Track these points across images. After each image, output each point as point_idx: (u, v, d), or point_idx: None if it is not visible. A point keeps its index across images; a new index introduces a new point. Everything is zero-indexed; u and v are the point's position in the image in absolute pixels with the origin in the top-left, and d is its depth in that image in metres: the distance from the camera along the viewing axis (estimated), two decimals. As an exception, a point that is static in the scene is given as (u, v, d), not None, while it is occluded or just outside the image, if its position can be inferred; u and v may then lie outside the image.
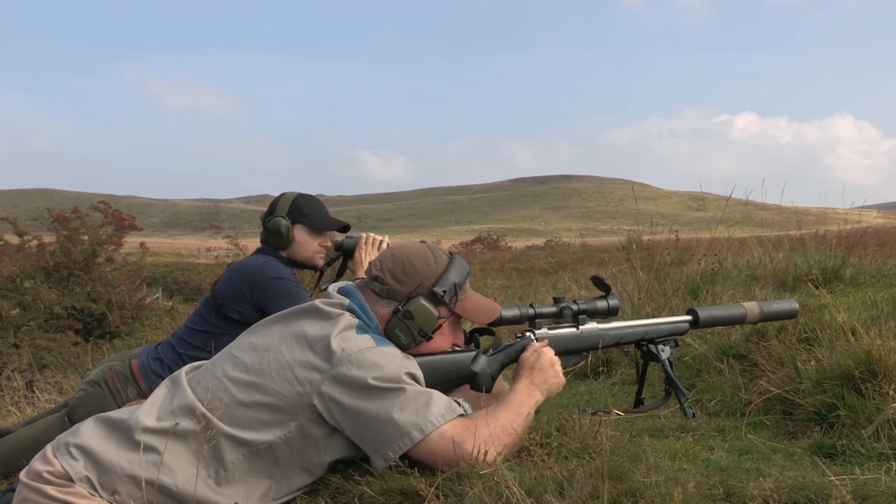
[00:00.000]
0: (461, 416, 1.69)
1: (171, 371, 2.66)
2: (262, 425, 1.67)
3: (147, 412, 1.70)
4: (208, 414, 1.66)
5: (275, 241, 2.86)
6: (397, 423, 1.63)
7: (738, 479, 1.50)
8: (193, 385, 1.75)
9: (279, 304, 2.66)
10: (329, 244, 2.92)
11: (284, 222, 2.83)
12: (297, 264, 2.89)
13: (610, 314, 2.12)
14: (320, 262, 2.91)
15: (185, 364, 2.71)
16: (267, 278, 2.73)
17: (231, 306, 2.77)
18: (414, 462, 1.66)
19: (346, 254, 2.94)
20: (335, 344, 1.68)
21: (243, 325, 2.71)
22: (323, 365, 1.67)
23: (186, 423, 1.66)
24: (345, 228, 2.99)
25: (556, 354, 2.02)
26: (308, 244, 2.85)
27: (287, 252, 2.86)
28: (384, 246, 2.91)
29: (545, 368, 1.89)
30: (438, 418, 1.64)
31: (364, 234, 2.93)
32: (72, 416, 2.64)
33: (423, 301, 1.81)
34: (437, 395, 1.69)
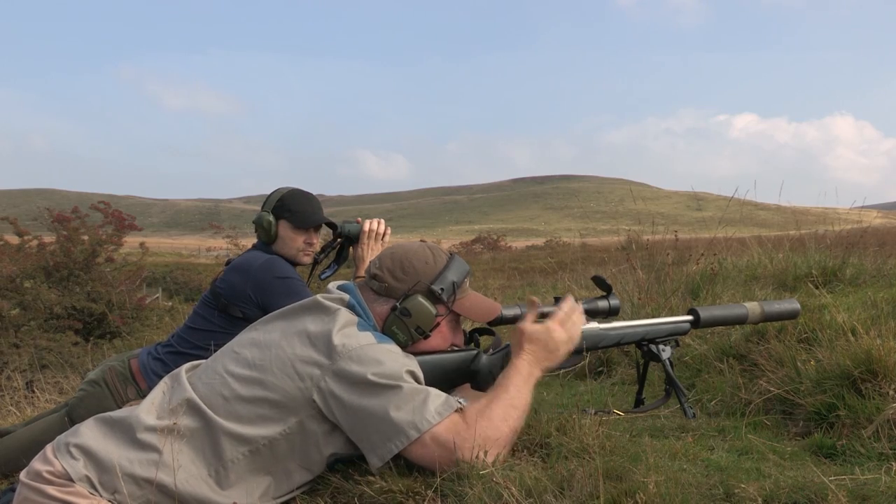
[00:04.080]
0: (458, 411, 1.66)
1: (171, 369, 2.66)
2: (262, 420, 1.67)
3: (147, 410, 1.70)
4: (208, 411, 1.67)
5: (260, 235, 2.85)
6: (393, 421, 1.62)
7: (738, 479, 1.50)
8: (194, 382, 1.75)
9: (284, 303, 2.64)
10: (315, 242, 2.88)
11: (268, 218, 2.81)
12: (286, 261, 2.84)
13: (611, 314, 2.12)
14: (305, 260, 2.87)
15: (188, 359, 2.71)
16: (271, 278, 2.72)
17: (235, 305, 2.76)
18: (413, 462, 1.66)
19: (347, 239, 2.90)
20: (337, 339, 1.69)
21: (247, 323, 2.71)
22: (324, 360, 1.68)
23: (186, 421, 1.67)
24: (331, 226, 2.93)
25: None
26: (292, 241, 2.82)
27: (273, 247, 2.84)
28: (387, 237, 2.90)
29: (550, 349, 1.80)
30: (434, 416, 1.63)
31: (366, 223, 2.87)
32: (72, 415, 2.64)
33: (420, 299, 1.81)
34: (434, 392, 1.68)
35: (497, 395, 1.72)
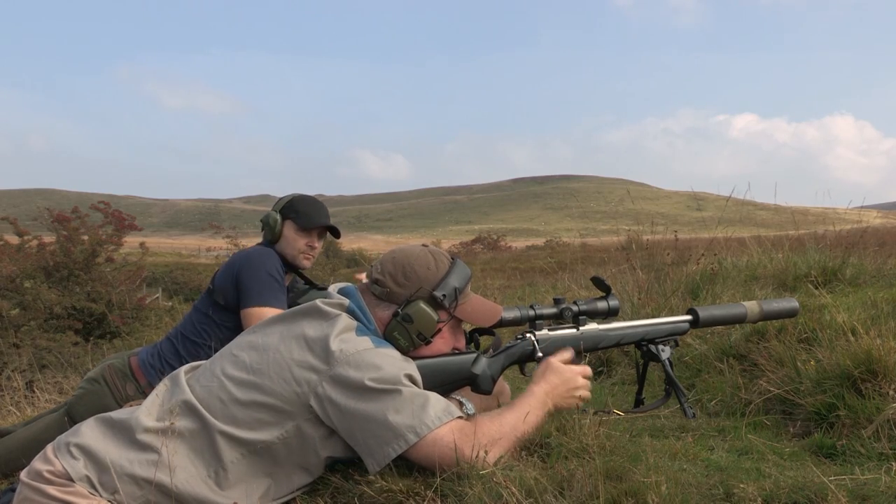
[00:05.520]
0: (459, 418, 1.68)
1: (168, 365, 2.69)
2: (259, 424, 1.67)
3: (146, 412, 1.70)
4: (205, 413, 1.67)
5: (266, 233, 2.95)
6: (392, 425, 1.62)
7: (738, 479, 1.50)
8: (192, 384, 1.75)
9: (256, 288, 2.73)
10: (317, 246, 2.97)
11: (275, 216, 2.92)
12: (287, 262, 2.93)
13: (610, 315, 2.12)
14: (304, 263, 2.96)
15: (182, 355, 2.75)
16: (262, 271, 2.78)
17: (220, 292, 2.82)
18: (413, 463, 1.66)
19: None
20: (334, 345, 1.68)
21: (228, 311, 2.77)
22: (321, 365, 1.67)
23: (185, 423, 1.67)
24: (333, 230, 3.04)
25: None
26: (294, 241, 2.91)
27: (277, 247, 2.93)
28: None
29: (569, 387, 1.85)
30: (434, 420, 1.63)
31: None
32: (71, 413, 2.64)
33: (422, 305, 1.80)
34: (434, 397, 1.68)
35: (512, 407, 1.75)
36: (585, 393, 1.89)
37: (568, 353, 1.95)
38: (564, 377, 1.86)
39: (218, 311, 2.81)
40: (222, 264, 2.97)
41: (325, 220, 2.95)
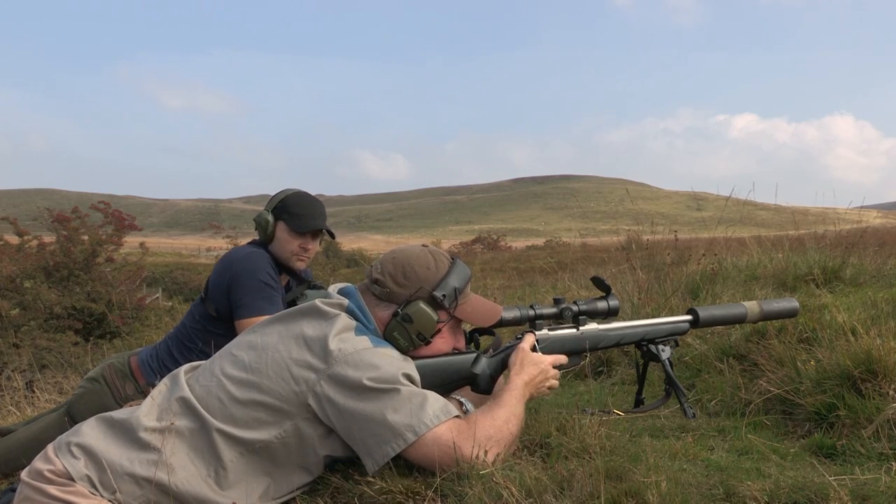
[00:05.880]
0: (457, 417, 1.68)
1: (165, 367, 2.68)
2: (257, 424, 1.67)
3: (147, 411, 1.70)
4: (203, 412, 1.67)
5: (259, 234, 2.85)
6: (391, 424, 1.62)
7: (738, 479, 1.50)
8: (192, 383, 1.76)
9: (249, 299, 2.65)
10: (311, 248, 2.84)
11: (267, 217, 2.80)
12: (280, 263, 2.83)
13: (610, 315, 2.12)
14: (298, 265, 2.84)
15: (177, 358, 2.72)
16: (254, 279, 2.70)
17: (211, 303, 2.76)
18: (412, 462, 1.66)
19: None
20: (332, 344, 1.68)
21: (221, 322, 2.72)
22: (319, 364, 1.67)
23: (184, 422, 1.67)
24: (330, 234, 2.92)
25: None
26: (287, 243, 2.79)
27: (270, 247, 2.83)
28: None
29: (545, 377, 1.88)
30: (433, 419, 1.63)
31: None
32: (71, 412, 2.64)
33: (422, 305, 1.81)
34: (432, 396, 1.69)
35: (500, 402, 1.76)
36: (555, 383, 1.93)
37: (532, 338, 1.97)
38: (541, 367, 1.89)
39: (210, 320, 2.75)
40: (214, 266, 2.87)
41: (317, 224, 2.80)
